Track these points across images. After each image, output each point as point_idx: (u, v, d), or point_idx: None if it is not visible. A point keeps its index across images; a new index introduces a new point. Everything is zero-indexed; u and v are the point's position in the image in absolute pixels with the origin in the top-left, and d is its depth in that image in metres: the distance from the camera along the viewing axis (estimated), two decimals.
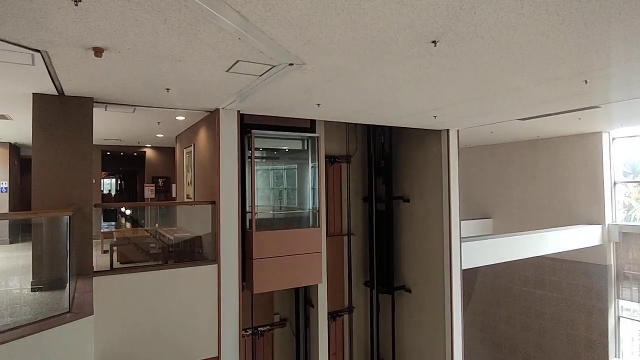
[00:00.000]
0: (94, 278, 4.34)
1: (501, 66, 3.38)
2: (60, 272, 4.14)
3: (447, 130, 6.64)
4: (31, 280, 4.21)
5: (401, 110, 5.27)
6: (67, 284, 3.50)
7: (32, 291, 4.16)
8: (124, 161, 13.06)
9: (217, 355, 5.05)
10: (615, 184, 8.71)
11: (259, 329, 6.61)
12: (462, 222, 6.72)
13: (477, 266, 7.67)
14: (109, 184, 19.74)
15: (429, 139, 6.91)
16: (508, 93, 4.35)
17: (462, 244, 6.63)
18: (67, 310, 3.22)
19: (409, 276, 7.25)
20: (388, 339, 7.45)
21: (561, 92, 4.33)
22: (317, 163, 6.17)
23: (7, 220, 8.09)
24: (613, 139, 8.67)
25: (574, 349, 8.86)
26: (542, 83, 3.95)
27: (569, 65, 3.37)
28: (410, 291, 7.19)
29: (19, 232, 7.89)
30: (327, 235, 6.52)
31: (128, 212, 10.19)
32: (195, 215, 6.47)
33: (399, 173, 7.51)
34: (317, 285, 6.33)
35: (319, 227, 6.07)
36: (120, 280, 4.69)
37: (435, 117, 5.59)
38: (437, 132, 6.76)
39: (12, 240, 8.00)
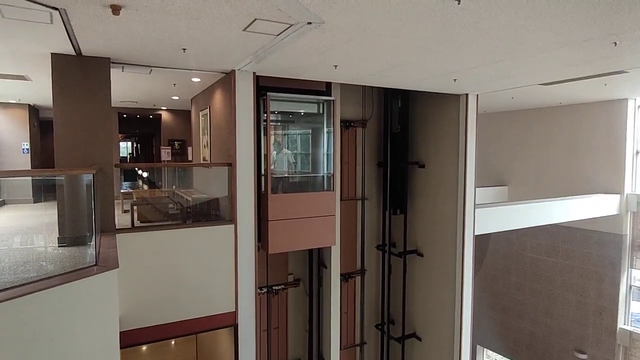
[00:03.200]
0: (117, 235, 4.51)
1: (527, 26, 3.25)
2: (85, 229, 4.31)
3: (467, 95, 6.49)
4: (58, 236, 4.39)
5: (421, 73, 5.14)
6: (93, 239, 3.65)
7: (59, 247, 4.35)
8: (140, 124, 13.17)
9: (234, 310, 5.29)
10: (637, 152, 8.49)
11: (273, 287, 6.84)
12: (476, 189, 6.69)
13: (490, 232, 7.71)
14: (125, 147, 20.01)
15: (447, 104, 6.77)
16: (533, 55, 4.20)
17: (476, 210, 6.64)
18: (94, 263, 3.38)
19: (422, 241, 7.34)
20: (399, 300, 7.64)
21: (588, 54, 4.16)
22: (332, 127, 6.14)
23: (31, 180, 8.33)
24: (639, 106, 8.36)
25: (583, 315, 8.98)
26: (569, 45, 3.79)
27: (599, 25, 3.22)
28: (422, 255, 7.29)
29: (42, 192, 8.15)
30: (341, 200, 6.58)
31: (145, 174, 10.40)
32: (211, 178, 6.58)
33: (415, 138, 7.43)
34: (330, 247, 6.47)
35: (333, 191, 6.12)
36: (142, 237, 4.87)
37: (455, 80, 5.45)
38: (456, 97, 6.61)
39: (36, 200, 8.26)
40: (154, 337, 4.96)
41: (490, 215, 6.96)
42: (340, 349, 6.96)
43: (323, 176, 6.29)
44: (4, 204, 8.31)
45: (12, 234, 5.87)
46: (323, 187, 6.23)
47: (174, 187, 7.86)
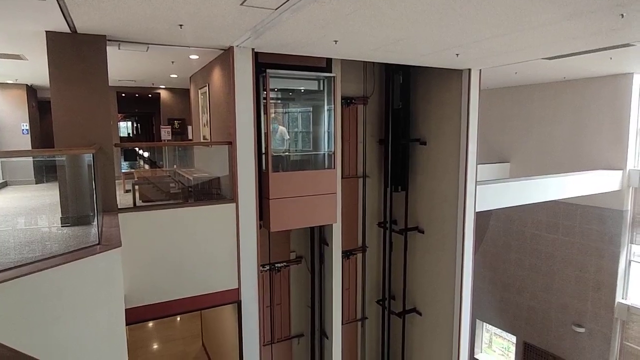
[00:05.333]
0: (119, 215, 4.53)
1: None
2: (87, 208, 4.34)
3: (469, 70, 6.39)
4: (61, 216, 4.41)
5: (423, 48, 5.05)
6: (95, 219, 3.67)
7: (62, 227, 4.38)
8: (140, 103, 13.06)
9: (237, 287, 5.37)
10: None
11: (276, 265, 6.92)
12: (478, 165, 6.66)
13: (491, 209, 7.73)
14: (125, 127, 19.91)
15: (449, 80, 6.67)
16: (537, 28, 4.10)
17: (477, 187, 6.63)
18: (97, 242, 3.41)
19: (423, 218, 7.37)
20: (399, 277, 7.74)
21: (594, 27, 4.06)
22: (332, 104, 6.07)
23: (32, 161, 8.32)
24: None
25: (581, 289, 9.10)
26: (575, 17, 3.70)
27: None
28: (423, 232, 7.34)
29: (44, 172, 8.15)
30: (342, 177, 6.58)
31: (146, 154, 10.38)
32: (212, 157, 6.56)
33: (417, 115, 7.36)
34: (331, 225, 6.51)
35: (334, 168, 6.11)
36: (144, 217, 4.90)
37: (457, 55, 5.35)
38: (458, 72, 6.51)
39: (38, 181, 8.26)
40: (159, 313, 5.05)
41: (491, 192, 6.96)
42: (342, 324, 7.10)
43: (324, 154, 6.26)
44: (6, 185, 8.34)
45: (16, 215, 5.91)
46: (324, 165, 6.21)
47: (175, 166, 7.86)
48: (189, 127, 9.99)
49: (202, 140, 7.19)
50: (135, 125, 19.21)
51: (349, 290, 7.68)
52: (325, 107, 6.14)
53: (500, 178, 9.58)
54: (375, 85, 7.51)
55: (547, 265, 9.72)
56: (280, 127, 6.33)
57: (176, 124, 10.83)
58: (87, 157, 4.21)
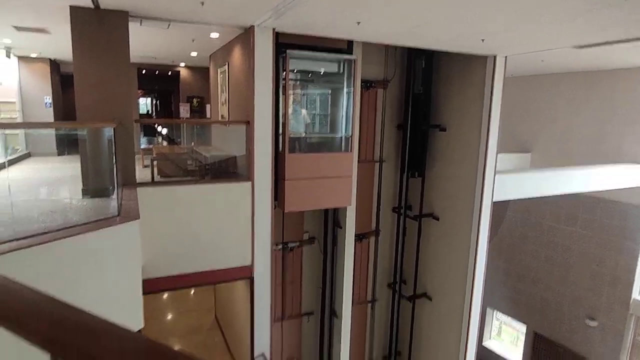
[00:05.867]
0: (137, 189, 4.63)
1: None
2: (107, 181, 4.44)
3: (494, 57, 6.21)
4: (82, 188, 4.54)
5: (447, 32, 4.92)
6: (115, 192, 3.76)
7: (82, 198, 4.51)
8: (159, 80, 13.17)
9: (250, 264, 5.47)
10: None
11: (289, 244, 7.01)
12: (498, 154, 6.54)
13: (509, 199, 7.62)
14: (144, 104, 20.09)
15: (473, 66, 6.51)
16: (571, 15, 3.94)
17: (496, 176, 6.53)
18: (117, 214, 3.50)
19: (438, 204, 7.32)
20: (412, 262, 7.76)
21: (634, 15, 3.88)
22: (352, 87, 6.01)
23: (55, 134, 8.52)
24: None
25: (597, 283, 8.97)
26: (614, 5, 3.53)
27: None
28: (437, 219, 7.30)
29: (65, 145, 8.36)
30: (358, 161, 6.55)
31: (164, 131, 10.51)
32: (229, 136, 6.61)
33: (438, 101, 7.23)
34: (346, 207, 6.53)
35: (350, 152, 6.09)
36: (161, 192, 5.00)
37: (483, 40, 5.20)
38: (483, 59, 6.33)
39: (59, 153, 8.47)
40: (174, 285, 5.21)
41: (510, 182, 6.85)
42: (352, 305, 7.19)
43: (341, 137, 6.24)
44: (30, 156, 8.59)
45: (39, 186, 6.10)
46: (341, 148, 6.19)
47: (192, 144, 7.95)
48: (207, 106, 10.05)
49: (220, 119, 7.23)
50: (154, 102, 19.38)
51: (360, 272, 7.74)
52: (345, 90, 6.08)
53: (520, 168, 9.39)
54: (396, 69, 7.38)
55: (563, 258, 9.58)
56: (299, 109, 6.30)
57: (195, 102, 10.90)
58: (107, 132, 4.30)
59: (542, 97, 9.89)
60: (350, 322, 7.07)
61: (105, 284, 3.25)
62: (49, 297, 0.59)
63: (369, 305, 8.07)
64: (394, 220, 7.84)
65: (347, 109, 6.12)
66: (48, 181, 6.38)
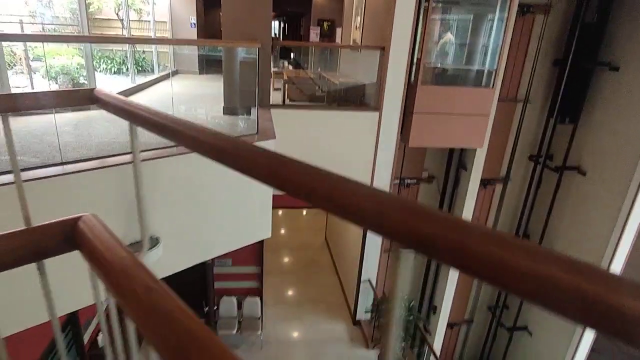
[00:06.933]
0: (271, 110, 4.83)
1: None
2: (246, 101, 4.69)
3: None
4: (223, 106, 4.88)
5: None
6: (256, 111, 3.95)
7: (223, 115, 4.87)
8: (291, 2, 13.13)
9: None
10: None
11: (406, 180, 6.84)
12: None
13: None
14: (272, 27, 20.48)
15: None
16: None
17: None
18: (256, 132, 3.70)
19: (589, 158, 6.27)
20: (541, 217, 7.00)
21: None
22: (506, 12, 5.17)
23: (197, 54, 9.22)
24: None
25: None
26: None
27: None
28: (584, 174, 6.31)
29: (204, 65, 9.05)
30: (498, 99, 5.84)
31: (292, 55, 10.63)
32: (359, 62, 6.38)
33: (614, 34, 5.85)
34: (475, 149, 6.01)
35: (492, 88, 5.43)
36: (292, 114, 5.15)
37: None
38: None
39: (200, 72, 9.22)
40: (297, 204, 5.54)
41: None
42: None
43: (483, 70, 5.57)
44: (177, 73, 9.55)
45: (187, 101, 6.78)
46: (481, 82, 5.55)
47: (319, 69, 7.93)
48: (338, 30, 9.79)
49: (351, 44, 6.99)
50: (282, 25, 19.65)
51: (479, 219, 7.29)
52: (496, 16, 5.27)
53: None
54: None
55: None
56: (440, 36, 5.70)
57: (325, 25, 10.70)
58: (241, 53, 4.45)
59: None
60: None
61: (243, 195, 3.55)
62: None
63: None
64: (528, 169, 7.03)
65: (495, 37, 5.36)
66: (192, 97, 7.03)
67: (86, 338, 4.56)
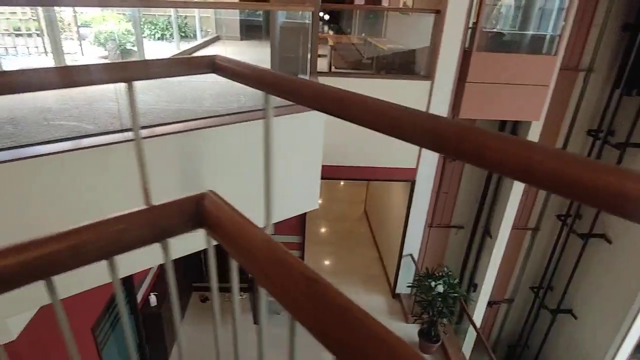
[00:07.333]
0: (318, 77, 4.68)
1: None
2: (293, 67, 4.56)
3: None
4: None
5: None
6: (307, 78, 3.84)
7: None
8: None
9: (415, 167, 5.36)
10: None
11: None
12: None
13: None
14: None
15: None
16: None
17: None
18: None
19: None
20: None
21: None
22: None
23: (238, 20, 9.05)
24: None
25: None
26: None
27: None
28: None
29: (245, 30, 8.88)
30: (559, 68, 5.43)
31: (333, 18, 10.25)
32: (408, 27, 6.06)
33: None
34: (529, 122, 5.68)
35: (554, 55, 5.04)
36: (338, 82, 4.98)
37: None
38: None
39: (241, 38, 9.08)
40: (347, 175, 5.46)
41: None
42: (511, 229, 6.69)
43: (544, 36, 5.15)
44: (219, 39, 9.46)
45: None
46: (542, 49, 5.15)
47: (363, 34, 7.62)
48: None
49: (401, 7, 6.64)
50: None
51: (528, 196, 6.99)
52: None
53: None
54: None
55: None
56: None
57: None
58: (281, 19, 4.28)
59: None
60: (505, 245, 6.66)
61: (294, 162, 3.51)
62: None
63: (529, 232, 7.42)
64: (586, 145, 6.61)
65: (561, 0, 4.91)
66: None
67: (139, 297, 4.81)
